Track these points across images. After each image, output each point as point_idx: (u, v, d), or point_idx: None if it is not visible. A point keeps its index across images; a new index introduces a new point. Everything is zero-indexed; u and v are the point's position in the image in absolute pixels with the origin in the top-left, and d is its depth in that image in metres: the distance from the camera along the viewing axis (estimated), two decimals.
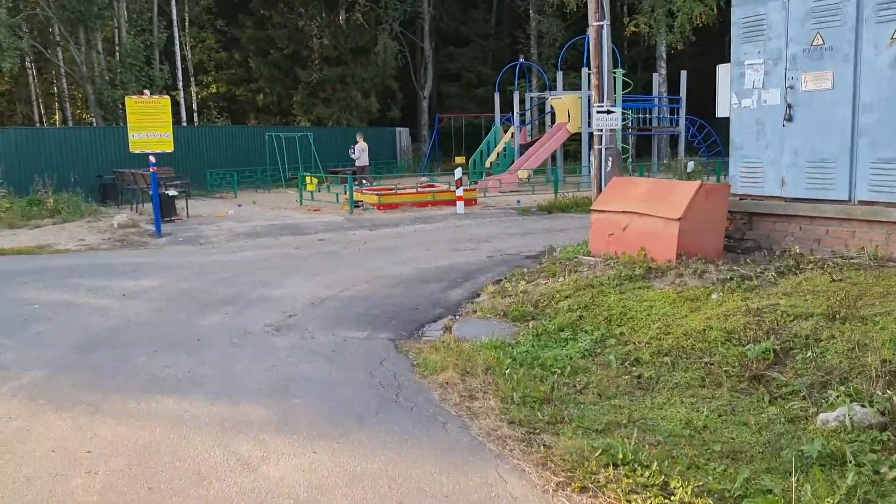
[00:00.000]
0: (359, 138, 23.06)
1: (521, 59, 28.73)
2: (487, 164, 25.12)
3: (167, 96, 13.47)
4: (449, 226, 14.84)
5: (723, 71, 9.00)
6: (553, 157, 24.09)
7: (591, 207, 9.25)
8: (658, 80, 24.87)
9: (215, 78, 42.37)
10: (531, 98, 26.16)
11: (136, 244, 13.19)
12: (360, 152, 22.76)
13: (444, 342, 6.61)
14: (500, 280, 9.16)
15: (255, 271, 10.31)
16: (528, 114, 25.23)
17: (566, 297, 7.60)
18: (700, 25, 32.56)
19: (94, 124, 26.25)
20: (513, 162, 25.47)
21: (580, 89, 24.09)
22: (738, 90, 8.52)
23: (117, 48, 26.89)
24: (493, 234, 13.51)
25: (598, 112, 9.45)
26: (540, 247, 11.68)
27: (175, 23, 33.15)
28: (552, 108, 25.04)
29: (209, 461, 4.14)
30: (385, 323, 7.35)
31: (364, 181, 24.82)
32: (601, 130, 9.52)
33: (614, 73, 22.42)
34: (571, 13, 33.92)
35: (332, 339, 6.77)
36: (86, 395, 5.31)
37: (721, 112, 9.04)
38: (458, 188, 16.19)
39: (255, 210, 18.18)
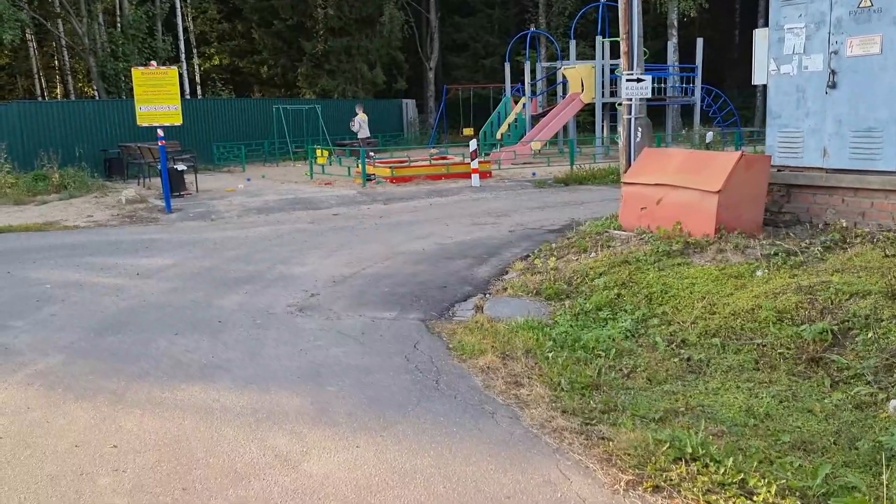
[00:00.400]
0: (358, 110, 22.59)
1: (532, 28, 28.08)
2: (498, 136, 24.68)
3: (174, 67, 13.05)
4: (465, 199, 14.49)
5: (760, 36, 8.59)
6: (565, 128, 23.63)
7: (622, 180, 8.90)
8: (671, 49, 24.28)
9: (218, 50, 41.74)
10: (542, 68, 25.62)
11: (145, 220, 12.87)
12: (361, 124, 22.29)
13: (477, 323, 6.32)
14: (528, 256, 8.86)
15: (271, 248, 10.00)
16: (538, 84, 24.71)
17: (601, 275, 7.28)
18: None
19: (97, 97, 25.80)
20: (524, 133, 25.04)
21: (592, 59, 23.59)
22: (777, 56, 8.12)
23: (119, 19, 26.34)
24: (511, 207, 13.16)
25: (627, 80, 9.06)
26: (562, 220, 11.35)
27: None
28: (565, 78, 24.55)
29: (245, 457, 3.86)
30: (413, 302, 7.05)
31: (372, 153, 24.46)
32: (630, 99, 9.13)
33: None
34: None
35: (360, 321, 6.47)
36: (107, 383, 5.03)
37: (757, 79, 8.63)
38: (472, 160, 15.81)
39: (264, 184, 17.83)
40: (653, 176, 8.43)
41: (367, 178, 15.96)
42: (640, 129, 9.14)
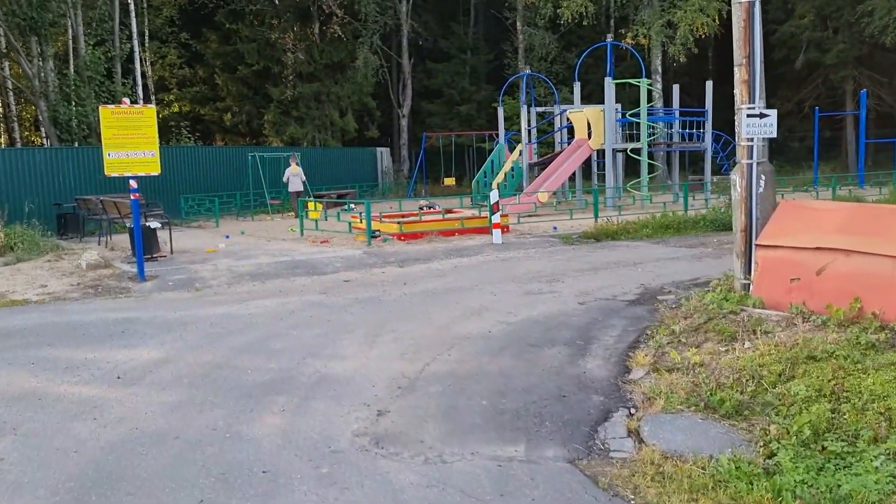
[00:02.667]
0: (292, 161, 20.91)
1: (527, 71, 26.53)
2: (494, 186, 22.73)
3: (151, 106, 10.82)
4: (492, 259, 12.42)
5: None
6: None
7: (757, 242, 6.93)
8: (673, 93, 22.88)
9: (178, 96, 39.43)
10: (535, 114, 23.94)
11: (114, 291, 10.47)
12: (292, 177, 20.72)
13: (653, 464, 4.23)
14: (638, 341, 6.78)
15: (288, 331, 7.74)
16: (532, 131, 22.99)
17: (786, 377, 5.24)
18: (702, 36, 31.01)
19: (48, 145, 23.23)
20: (521, 183, 23.22)
21: (572, 104, 22.12)
22: None
23: (73, 61, 23.94)
24: (555, 270, 11.13)
25: (748, 116, 7.16)
26: (632, 288, 9.37)
27: (135, 35, 30.25)
28: (569, 122, 22.91)
29: None
30: (537, 426, 4.89)
31: (353, 206, 22.38)
32: (751, 140, 7.22)
33: (641, 83, 20.43)
34: (565, 24, 32.07)
35: (478, 466, 4.28)
36: None
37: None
38: (494, 214, 13.79)
39: (248, 242, 15.50)
40: (805, 237, 6.48)
41: (372, 234, 13.79)
42: (763, 176, 7.23)
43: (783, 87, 39.00)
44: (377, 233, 14.02)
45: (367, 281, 10.81)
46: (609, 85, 19.74)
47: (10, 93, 31.09)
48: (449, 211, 16.46)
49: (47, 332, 8.00)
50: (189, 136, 28.89)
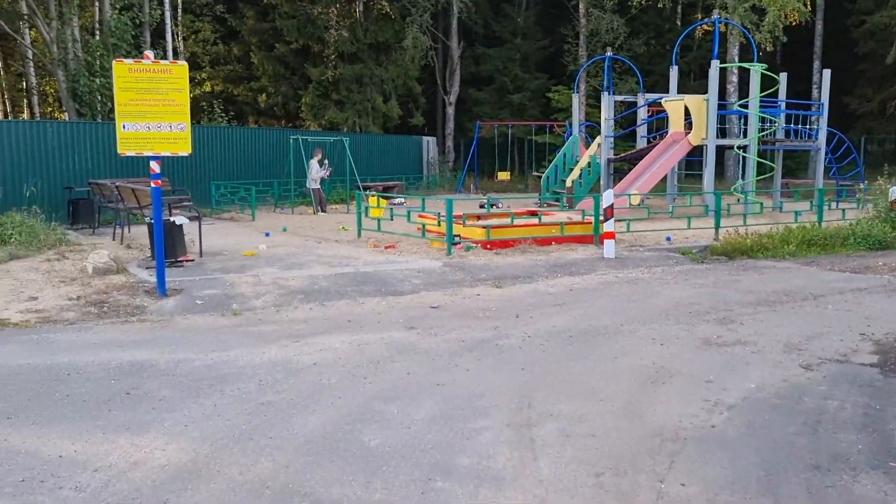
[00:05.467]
0: (317, 155, 18.59)
1: (609, 54, 23.54)
2: (568, 184, 19.86)
3: (183, 63, 8.06)
4: (613, 281, 9.57)
5: None
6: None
7: None
8: (781, 83, 19.75)
9: (210, 74, 36.85)
10: (611, 101, 20.88)
11: (124, 311, 7.75)
12: (316, 173, 18.55)
13: None
14: None
15: (382, 406, 4.95)
16: (611, 122, 19.99)
17: None
18: (792, 24, 27.82)
19: (67, 120, 20.67)
20: (598, 181, 20.29)
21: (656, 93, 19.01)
22: None
23: (98, 27, 21.34)
24: (713, 302, 8.26)
25: None
26: (852, 338, 6.53)
27: (167, 6, 27.67)
28: (650, 114, 19.95)
29: None
30: None
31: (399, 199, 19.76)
32: None
33: (754, 68, 17.41)
34: (635, 6, 29.02)
35: None
36: None
37: None
38: (606, 220, 10.89)
39: (293, 243, 12.73)
40: None
41: (453, 241, 10.95)
42: None
43: (862, 83, 35.57)
44: (457, 238, 11.18)
45: (463, 309, 8.00)
46: (714, 69, 16.73)
47: (32, 63, 28.70)
48: (529, 212, 13.59)
49: (13, 388, 5.27)
50: (222, 115, 26.22)
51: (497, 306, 8.11)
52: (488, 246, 11.16)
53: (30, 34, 25.96)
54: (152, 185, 8.20)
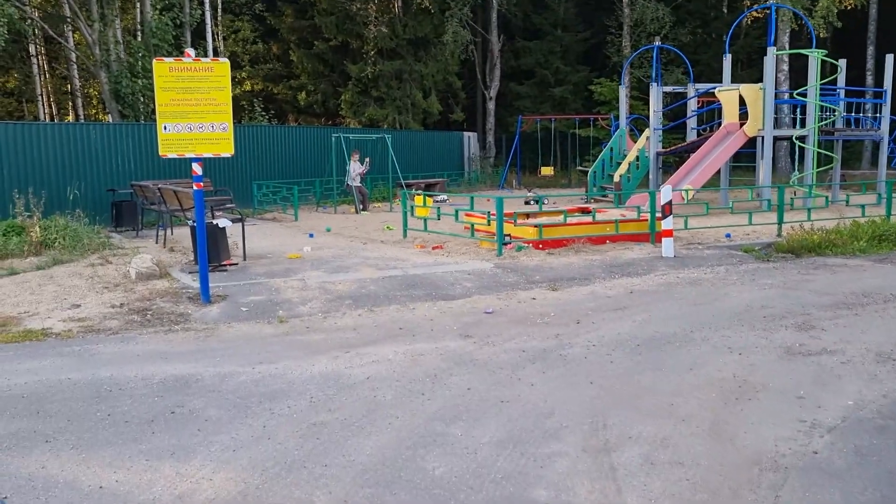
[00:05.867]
0: (354, 157, 18.38)
1: (658, 43, 22.85)
2: (616, 178, 19.27)
3: (225, 60, 7.76)
4: (674, 282, 9.05)
5: None
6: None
7: None
8: (840, 69, 18.87)
9: (250, 73, 36.87)
10: (661, 93, 20.19)
11: (168, 319, 7.48)
12: (355, 172, 18.48)
13: None
14: None
15: (444, 429, 4.57)
16: (660, 113, 19.32)
17: None
18: (847, 7, 26.80)
19: (111, 122, 20.68)
20: (646, 175, 19.68)
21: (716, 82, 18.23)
22: None
23: (140, 28, 21.32)
24: (787, 305, 7.72)
25: None
26: None
27: (207, 6, 27.64)
28: (700, 106, 19.26)
29: None
30: None
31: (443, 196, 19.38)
32: None
33: (813, 54, 16.63)
34: None
35: None
36: None
37: None
38: (664, 217, 10.36)
39: (337, 244, 12.42)
40: None
41: (504, 241, 10.52)
42: None
43: None
44: (507, 238, 10.74)
45: (520, 314, 7.57)
46: (771, 56, 15.99)
47: (75, 66, 28.96)
48: (580, 209, 13.08)
49: (54, 407, 5.00)
50: (263, 114, 26.11)
51: (555, 311, 7.67)
52: (540, 246, 10.71)
53: (73, 37, 26.14)
54: (195, 187, 7.91)
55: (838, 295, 8.17)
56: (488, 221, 10.79)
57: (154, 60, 7.57)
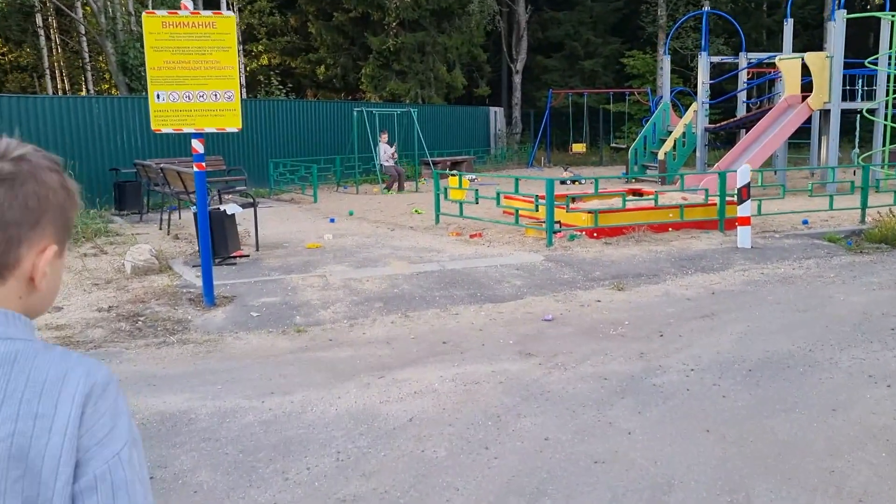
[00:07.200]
0: (383, 138, 17.02)
1: (706, 8, 21.22)
2: (660, 156, 17.78)
3: (231, 14, 6.41)
4: (760, 280, 7.67)
5: None
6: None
7: None
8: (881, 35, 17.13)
9: (267, 47, 35.44)
10: (709, 63, 18.56)
11: (162, 328, 6.21)
12: (386, 153, 17.35)
13: None
14: None
15: (510, 490, 3.25)
16: (708, 86, 17.74)
17: None
18: None
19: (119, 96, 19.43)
20: (693, 152, 18.18)
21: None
22: None
23: None
24: None
25: None
26: None
27: None
28: (750, 78, 17.70)
29: None
30: None
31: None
32: None
33: (886, 17, 14.99)
34: None
35: None
36: None
37: None
38: (742, 203, 8.92)
39: (362, 231, 11.09)
40: None
41: (554, 229, 9.14)
42: None
43: None
44: (558, 226, 9.37)
45: (587, 323, 6.23)
46: (841, 20, 14.38)
47: (85, 39, 27.72)
48: (632, 191, 11.64)
49: None
50: (280, 88, 24.76)
51: (629, 318, 6.32)
52: (595, 234, 9.33)
53: (83, 10, 24.87)
54: (196, 168, 6.61)
55: None
56: (536, 206, 9.41)
57: (144, 14, 6.24)
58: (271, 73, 29.17)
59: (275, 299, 6.98)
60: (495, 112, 30.04)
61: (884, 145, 14.79)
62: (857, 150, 17.87)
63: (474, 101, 34.52)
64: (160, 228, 11.27)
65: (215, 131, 6.46)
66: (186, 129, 6.40)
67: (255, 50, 34.84)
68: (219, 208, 8.13)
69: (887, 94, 14.79)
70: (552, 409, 4.37)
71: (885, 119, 14.80)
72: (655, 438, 3.96)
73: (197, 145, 6.49)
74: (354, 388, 4.80)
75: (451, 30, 31.40)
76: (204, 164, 6.60)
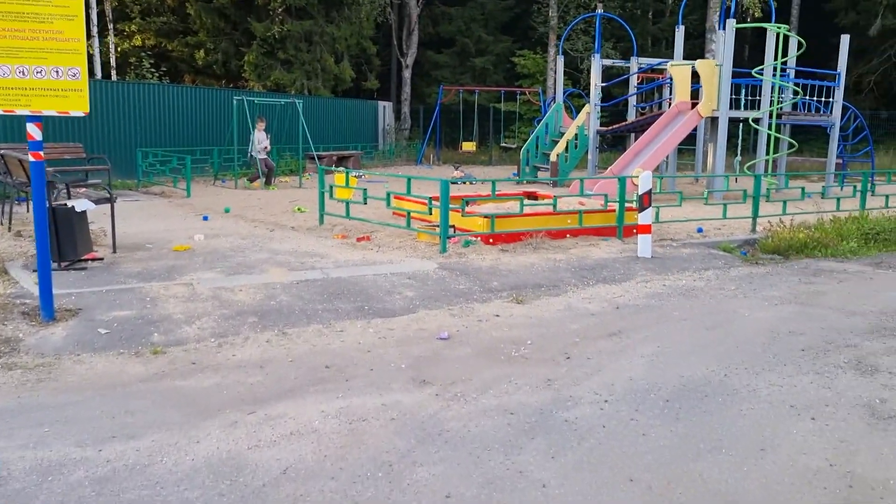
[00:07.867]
0: (260, 125, 16.11)
1: (600, 11, 21.19)
2: (553, 158, 17.58)
3: None
4: (663, 292, 7.34)
5: None
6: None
7: None
8: (790, 48, 17.69)
9: (140, 27, 33.18)
10: (602, 66, 18.55)
11: None
12: (261, 143, 16.35)
13: None
14: None
15: None
16: (600, 88, 17.72)
17: None
18: None
19: None
20: (586, 155, 18.09)
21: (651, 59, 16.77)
22: None
23: None
24: (820, 331, 6.14)
25: None
26: None
27: None
28: (643, 81, 17.79)
29: None
30: None
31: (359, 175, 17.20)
32: None
33: (773, 29, 15.29)
34: None
35: None
36: None
37: None
38: (642, 210, 8.62)
39: (238, 231, 10.12)
40: None
41: (448, 234, 8.53)
42: None
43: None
44: (452, 231, 8.76)
45: (486, 342, 5.66)
46: (730, 30, 14.55)
47: None
48: (526, 194, 11.22)
49: None
50: (152, 71, 23.09)
51: (531, 337, 5.79)
52: (491, 240, 8.80)
53: None
54: (32, 158, 5.56)
55: (867, 315, 6.64)
56: (429, 209, 8.77)
57: None
58: (143, 54, 27.19)
59: (129, 313, 6.02)
60: (384, 107, 29.30)
61: (767, 154, 15.09)
62: (739, 157, 18.30)
63: (362, 94, 33.64)
64: (0, 224, 9.90)
65: (56, 114, 5.44)
66: (20, 111, 5.35)
67: (127, 29, 32.55)
68: (65, 204, 7.02)
69: (771, 105, 15.12)
70: (453, 455, 3.73)
71: (770, 129, 15.10)
72: (574, 491, 3.39)
73: (33, 130, 5.46)
74: (218, 428, 4.00)
75: (339, 20, 30.40)
76: (42, 152, 5.55)
